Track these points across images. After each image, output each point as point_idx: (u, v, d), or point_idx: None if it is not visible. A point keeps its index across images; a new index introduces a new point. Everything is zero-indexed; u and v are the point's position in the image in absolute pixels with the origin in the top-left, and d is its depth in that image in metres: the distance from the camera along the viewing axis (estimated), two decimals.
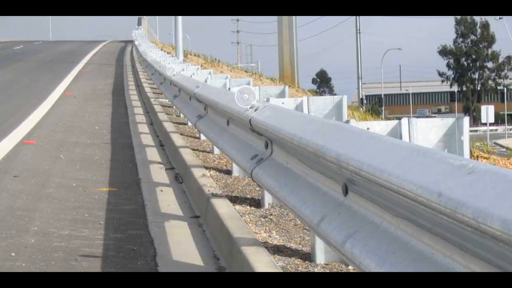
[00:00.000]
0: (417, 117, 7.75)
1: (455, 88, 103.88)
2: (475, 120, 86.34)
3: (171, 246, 6.15)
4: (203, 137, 11.64)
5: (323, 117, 6.36)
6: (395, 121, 4.29)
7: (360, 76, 67.25)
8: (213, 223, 6.50)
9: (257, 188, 7.49)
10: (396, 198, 3.12)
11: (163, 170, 9.98)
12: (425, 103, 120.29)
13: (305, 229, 5.94)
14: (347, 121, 4.53)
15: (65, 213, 7.33)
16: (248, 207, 6.85)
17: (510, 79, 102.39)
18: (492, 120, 56.35)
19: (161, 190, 8.52)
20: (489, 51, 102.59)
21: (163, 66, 18.28)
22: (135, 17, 74.81)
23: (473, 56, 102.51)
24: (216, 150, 10.17)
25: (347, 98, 6.94)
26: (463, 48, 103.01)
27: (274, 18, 65.94)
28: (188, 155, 9.74)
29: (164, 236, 6.49)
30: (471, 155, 12.87)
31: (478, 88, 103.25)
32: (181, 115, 15.19)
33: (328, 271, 4.94)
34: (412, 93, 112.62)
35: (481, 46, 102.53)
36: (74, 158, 10.90)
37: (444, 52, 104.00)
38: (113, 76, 29.47)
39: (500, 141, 53.75)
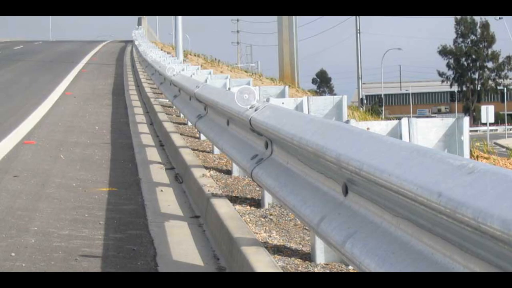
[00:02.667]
0: (417, 117, 7.75)
1: (455, 88, 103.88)
2: (475, 120, 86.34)
3: (171, 246, 6.15)
4: (203, 137, 11.64)
5: (323, 117, 6.36)
6: (395, 121, 4.29)
7: (360, 76, 67.21)
8: (213, 223, 6.50)
9: (257, 188, 7.49)
10: (396, 198, 3.12)
11: (163, 170, 9.98)
12: (425, 103, 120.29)
13: (305, 229, 5.94)
14: (347, 121, 4.53)
15: (65, 213, 7.33)
16: (248, 207, 6.85)
17: (510, 79, 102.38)
18: (492, 120, 56.34)
19: (161, 190, 8.52)
20: (489, 51, 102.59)
21: (163, 66, 18.28)
22: (135, 17, 74.92)
23: (473, 56, 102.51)
24: (216, 150, 10.17)
25: (347, 98, 6.94)
26: (463, 48, 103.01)
27: (274, 18, 65.93)
28: (188, 155, 9.74)
29: (164, 236, 6.49)
30: (471, 155, 12.86)
31: (478, 88, 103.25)
32: (181, 115, 15.19)
33: (328, 271, 4.94)
34: (412, 93, 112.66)
35: (481, 46, 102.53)
36: (74, 158, 10.90)
37: (444, 52, 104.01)
38: (113, 76, 29.47)
39: (500, 141, 53.75)
